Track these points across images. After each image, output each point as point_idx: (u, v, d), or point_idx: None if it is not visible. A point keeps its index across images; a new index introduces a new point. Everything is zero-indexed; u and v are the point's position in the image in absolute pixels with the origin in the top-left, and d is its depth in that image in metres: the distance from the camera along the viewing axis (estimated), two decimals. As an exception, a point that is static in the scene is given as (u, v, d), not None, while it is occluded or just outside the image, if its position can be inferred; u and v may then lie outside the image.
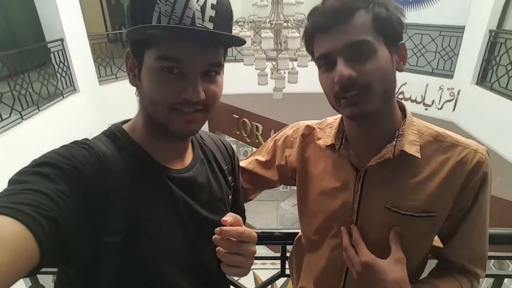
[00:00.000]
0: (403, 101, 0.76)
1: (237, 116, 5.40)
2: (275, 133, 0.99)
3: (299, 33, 3.19)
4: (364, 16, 0.63)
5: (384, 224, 0.73)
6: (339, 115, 0.85)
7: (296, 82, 3.55)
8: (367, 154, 0.74)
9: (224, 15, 0.57)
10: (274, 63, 3.57)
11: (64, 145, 0.55)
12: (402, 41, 0.69)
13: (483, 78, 5.07)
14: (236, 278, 1.07)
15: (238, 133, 5.53)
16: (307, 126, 0.89)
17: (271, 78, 3.67)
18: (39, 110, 4.25)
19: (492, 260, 3.18)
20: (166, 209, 0.62)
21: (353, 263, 0.73)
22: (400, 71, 0.69)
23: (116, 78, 5.73)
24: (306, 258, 0.94)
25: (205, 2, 0.54)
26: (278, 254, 1.19)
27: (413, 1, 6.12)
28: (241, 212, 0.84)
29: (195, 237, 0.67)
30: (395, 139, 0.71)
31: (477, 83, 5.12)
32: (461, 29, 5.42)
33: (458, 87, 5.44)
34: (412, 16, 6.00)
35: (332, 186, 0.80)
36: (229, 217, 0.62)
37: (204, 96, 0.57)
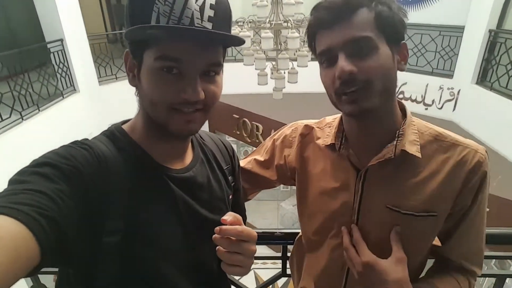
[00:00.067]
0: (403, 101, 0.76)
1: (237, 116, 5.40)
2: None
3: (299, 33, 3.19)
4: (366, 13, 0.64)
5: (385, 224, 0.73)
6: (338, 115, 0.84)
7: (296, 82, 3.55)
8: (367, 153, 0.74)
9: (223, 15, 0.57)
10: (274, 63, 3.56)
11: (64, 145, 0.55)
12: (404, 41, 0.69)
13: (483, 78, 5.07)
14: (237, 278, 1.07)
15: (238, 133, 5.53)
16: (306, 125, 0.89)
17: (271, 78, 3.67)
18: (39, 110, 4.25)
19: (493, 260, 3.18)
20: (166, 209, 0.62)
21: (354, 263, 0.73)
22: (401, 70, 0.69)
23: (116, 78, 5.73)
24: (307, 258, 0.94)
25: (204, 2, 0.54)
26: (279, 254, 1.19)
27: (413, 1, 6.11)
28: (241, 212, 0.84)
29: (195, 237, 0.67)
30: (396, 139, 0.71)
31: (477, 83, 5.12)
32: (461, 28, 5.41)
33: (458, 86, 5.44)
34: (412, 15, 5.99)
35: (332, 186, 0.80)
36: (228, 216, 0.62)
37: (203, 96, 0.57)
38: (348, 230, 0.78)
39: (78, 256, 0.51)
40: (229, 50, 0.66)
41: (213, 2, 0.55)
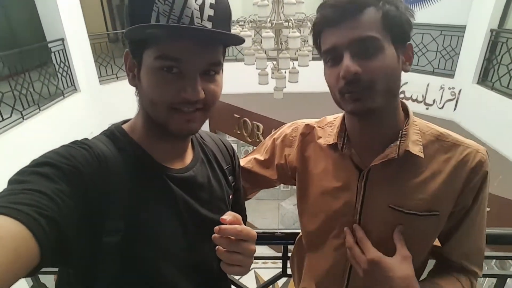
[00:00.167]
0: (403, 101, 0.76)
1: (238, 116, 5.40)
2: (275, 132, 0.99)
3: (300, 33, 3.19)
4: (373, 13, 0.63)
5: (388, 224, 0.73)
6: (339, 114, 0.84)
7: (297, 81, 3.55)
8: (369, 153, 0.74)
9: (222, 14, 0.57)
10: (274, 62, 3.56)
11: (64, 145, 0.55)
12: (410, 42, 0.69)
13: (484, 78, 5.06)
14: (237, 278, 1.06)
15: (239, 132, 5.53)
16: (307, 125, 0.89)
17: (271, 77, 3.67)
18: (40, 109, 4.25)
19: (494, 260, 3.18)
20: (166, 208, 0.62)
21: (359, 261, 0.72)
22: (406, 71, 0.69)
23: (117, 77, 5.73)
24: (307, 258, 0.93)
25: (203, 2, 0.54)
26: (280, 254, 1.19)
27: (414, 0, 6.11)
28: (242, 212, 0.84)
29: (195, 236, 0.66)
30: (399, 139, 0.71)
31: (478, 83, 5.11)
32: (462, 28, 5.41)
33: (459, 86, 5.43)
34: (413, 15, 5.98)
35: (333, 186, 0.79)
36: (228, 215, 0.62)
37: (203, 95, 0.57)
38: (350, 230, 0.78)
39: (78, 256, 0.51)
40: (229, 49, 0.66)
41: (213, 2, 0.55)
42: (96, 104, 5.35)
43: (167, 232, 0.62)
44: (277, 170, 0.93)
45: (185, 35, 0.54)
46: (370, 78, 0.63)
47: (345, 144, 0.77)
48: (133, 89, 0.63)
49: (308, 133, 0.88)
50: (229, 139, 5.72)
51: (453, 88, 5.52)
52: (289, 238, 1.09)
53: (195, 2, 0.53)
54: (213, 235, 0.60)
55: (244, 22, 3.29)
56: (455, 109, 5.54)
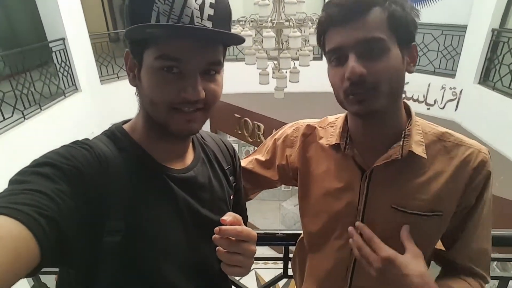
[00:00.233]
0: (405, 101, 0.76)
1: (239, 116, 5.40)
2: (276, 132, 0.99)
3: (301, 32, 3.19)
4: (380, 13, 0.62)
5: (390, 224, 0.73)
6: (341, 114, 0.84)
7: (298, 81, 3.55)
8: (372, 154, 0.74)
9: (222, 13, 0.57)
10: (275, 62, 3.56)
11: (65, 145, 0.55)
12: (414, 42, 0.68)
13: (486, 78, 5.05)
14: (237, 278, 1.06)
15: (239, 132, 5.53)
16: (308, 125, 0.88)
17: (272, 77, 3.66)
18: (41, 109, 4.26)
19: (495, 262, 3.17)
20: (166, 209, 0.62)
21: (372, 261, 0.69)
22: (410, 72, 0.69)
23: (118, 77, 5.73)
24: (309, 259, 0.93)
25: (203, 1, 0.54)
26: (281, 255, 1.19)
27: (414, 0, 6.10)
28: (243, 212, 0.84)
29: (196, 237, 0.66)
30: (402, 139, 0.71)
31: (479, 83, 5.10)
32: (463, 28, 5.39)
33: (461, 86, 5.42)
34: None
35: (336, 187, 0.79)
36: (228, 216, 0.62)
37: (204, 95, 0.57)
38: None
39: (78, 256, 0.51)
40: (230, 49, 0.66)
41: (213, 1, 0.55)
42: (97, 104, 5.36)
43: (168, 233, 0.62)
44: (278, 171, 0.93)
45: (185, 35, 0.54)
46: (375, 80, 0.63)
47: (347, 145, 0.77)
48: (134, 89, 0.63)
49: (309, 134, 0.87)
50: (230, 139, 5.73)
51: (454, 88, 5.51)
52: (290, 239, 1.08)
53: (195, 1, 0.53)
54: (213, 236, 0.60)
55: (245, 21, 3.29)
56: (456, 109, 5.53)
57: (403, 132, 0.72)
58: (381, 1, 0.63)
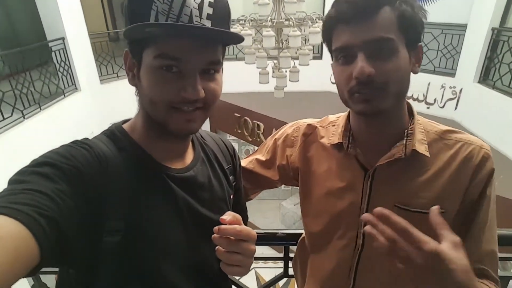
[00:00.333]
0: (407, 100, 0.76)
1: (239, 115, 5.40)
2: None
3: (301, 32, 3.18)
4: (389, 13, 0.62)
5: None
6: (341, 113, 0.84)
7: (298, 80, 3.55)
8: (374, 153, 0.74)
9: (221, 12, 0.57)
10: (275, 61, 3.56)
11: (64, 145, 0.55)
12: (420, 43, 0.68)
13: (486, 77, 5.05)
14: (237, 278, 1.06)
15: (239, 131, 5.53)
16: (309, 125, 0.88)
17: (272, 76, 3.66)
18: (40, 109, 4.26)
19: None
20: (166, 208, 0.62)
21: (414, 256, 0.54)
22: (415, 73, 0.68)
23: (118, 76, 5.73)
24: (311, 260, 0.93)
25: (202, 0, 0.54)
26: (281, 255, 1.19)
27: (415, -1, 6.09)
28: (242, 212, 0.84)
29: (196, 236, 0.66)
30: (405, 138, 0.71)
31: (479, 82, 5.10)
32: (463, 27, 5.39)
33: (460, 85, 5.42)
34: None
35: (338, 186, 0.79)
36: (227, 215, 0.62)
37: (203, 94, 0.57)
38: (356, 231, 0.77)
39: (78, 256, 0.51)
40: (230, 48, 0.66)
41: (212, 0, 0.55)
42: (96, 103, 5.36)
43: (167, 232, 0.62)
44: (278, 171, 0.93)
45: (184, 34, 0.54)
46: (383, 80, 0.63)
47: (350, 144, 0.77)
48: (134, 88, 0.62)
49: (310, 133, 0.87)
50: (230, 138, 5.72)
51: (454, 87, 5.51)
52: (290, 238, 1.08)
53: (194, 0, 0.53)
54: (213, 235, 0.60)
55: (245, 21, 3.29)
56: (456, 108, 5.53)
57: (406, 131, 0.72)
58: (391, 0, 0.62)
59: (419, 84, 5.70)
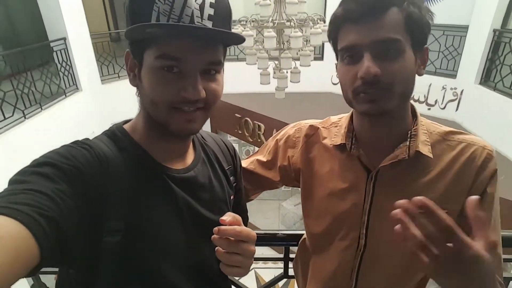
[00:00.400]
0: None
1: (239, 116, 5.40)
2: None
3: (302, 33, 3.18)
4: (397, 14, 0.62)
5: (396, 224, 0.72)
6: (343, 114, 0.84)
7: (299, 81, 3.54)
8: (378, 154, 0.73)
9: (223, 13, 0.57)
10: (276, 62, 3.56)
11: (65, 145, 0.55)
12: (426, 45, 0.68)
13: (487, 78, 5.04)
14: (237, 278, 1.06)
15: (240, 132, 5.53)
16: (311, 126, 0.88)
17: (273, 77, 3.66)
18: (41, 109, 4.26)
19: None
20: (166, 209, 0.62)
21: (458, 258, 0.48)
22: (420, 75, 0.68)
23: (119, 77, 5.74)
24: (313, 261, 0.92)
25: (203, 1, 0.54)
26: (281, 255, 1.18)
27: (416, 0, 6.08)
28: (243, 213, 0.84)
29: (196, 237, 0.66)
30: (409, 139, 0.71)
31: (480, 83, 5.09)
32: (464, 28, 5.38)
33: (461, 86, 5.41)
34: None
35: (340, 187, 0.79)
36: (227, 216, 0.62)
37: (204, 94, 0.57)
38: (358, 232, 0.76)
39: (78, 256, 0.51)
40: (231, 49, 0.66)
41: (213, 1, 0.55)
42: (97, 104, 5.37)
43: (168, 232, 0.62)
44: (280, 172, 0.93)
45: (185, 34, 0.54)
46: (389, 81, 0.63)
47: (353, 145, 0.77)
48: (135, 89, 0.63)
49: (312, 134, 0.87)
50: (230, 139, 5.72)
51: (455, 88, 5.50)
52: (290, 239, 1.08)
53: (195, 1, 0.53)
54: (213, 236, 0.60)
55: (246, 21, 3.29)
56: (457, 109, 5.52)
57: (409, 132, 0.71)
58: (400, 1, 0.62)
59: (420, 85, 5.63)
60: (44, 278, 1.22)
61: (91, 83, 5.36)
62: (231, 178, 0.79)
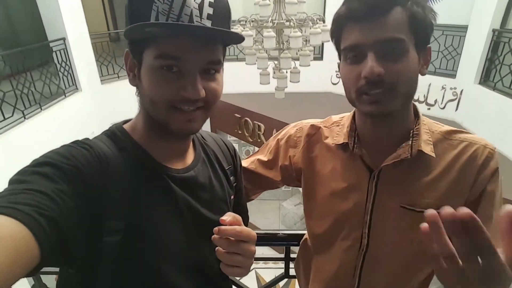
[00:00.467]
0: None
1: (239, 116, 5.40)
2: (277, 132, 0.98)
3: (301, 32, 3.18)
4: (401, 13, 0.62)
5: (399, 224, 0.73)
6: (345, 114, 0.84)
7: (298, 81, 3.54)
8: (380, 153, 0.73)
9: (222, 13, 0.57)
10: (276, 62, 3.56)
11: (65, 145, 0.55)
12: (429, 45, 0.68)
13: (486, 78, 5.04)
14: (237, 278, 1.06)
15: (240, 132, 5.53)
16: (312, 125, 0.88)
17: (273, 77, 3.66)
18: (41, 109, 4.26)
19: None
20: (166, 209, 0.62)
21: (486, 273, 0.42)
22: (423, 74, 0.68)
23: (118, 77, 5.73)
24: (315, 261, 0.92)
25: (202, 0, 0.54)
26: (282, 255, 1.18)
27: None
28: (243, 213, 0.84)
29: (196, 237, 0.66)
30: (411, 139, 0.71)
31: (480, 83, 5.10)
32: (464, 28, 5.39)
33: (461, 86, 5.42)
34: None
35: (343, 187, 0.79)
36: (227, 216, 0.61)
37: (204, 93, 0.57)
38: (360, 232, 0.76)
39: (78, 256, 0.51)
40: (231, 49, 0.66)
41: (212, 0, 0.55)
42: (97, 104, 5.36)
43: (168, 232, 0.62)
44: (281, 171, 0.92)
45: (184, 33, 0.54)
46: (393, 81, 0.62)
47: (356, 144, 0.76)
48: (134, 88, 0.63)
49: (314, 134, 0.87)
50: (230, 139, 5.72)
51: (455, 88, 5.51)
52: (291, 239, 1.08)
53: (194, 1, 0.53)
54: (213, 236, 0.60)
55: (246, 21, 3.29)
56: (456, 109, 5.53)
57: (412, 131, 0.72)
58: (403, 1, 0.62)
59: (420, 85, 5.47)
60: (45, 279, 1.22)
61: (90, 83, 5.36)
62: (231, 178, 0.79)
